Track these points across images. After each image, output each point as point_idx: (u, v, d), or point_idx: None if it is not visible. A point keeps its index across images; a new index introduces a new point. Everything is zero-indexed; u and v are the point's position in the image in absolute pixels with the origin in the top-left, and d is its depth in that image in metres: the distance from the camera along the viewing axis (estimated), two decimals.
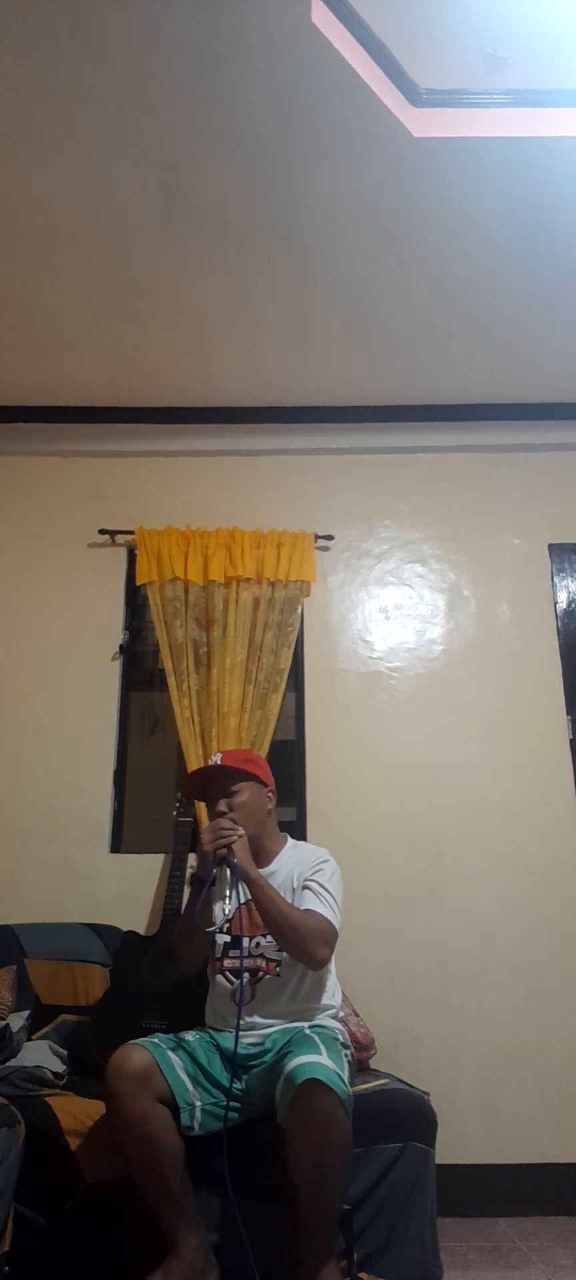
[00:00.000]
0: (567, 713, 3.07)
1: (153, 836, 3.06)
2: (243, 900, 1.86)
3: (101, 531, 3.27)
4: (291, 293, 2.86)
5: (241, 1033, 1.79)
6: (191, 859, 2.71)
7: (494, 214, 2.57)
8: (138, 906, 2.78)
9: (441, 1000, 2.72)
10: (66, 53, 2.11)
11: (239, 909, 1.84)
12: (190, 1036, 1.86)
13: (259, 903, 1.84)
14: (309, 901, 1.89)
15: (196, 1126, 1.71)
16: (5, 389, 3.33)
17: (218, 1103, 1.75)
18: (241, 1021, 1.79)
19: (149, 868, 2.85)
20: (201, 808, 2.77)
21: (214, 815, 2.00)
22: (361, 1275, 1.72)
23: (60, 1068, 2.21)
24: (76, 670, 3.12)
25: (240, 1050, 1.80)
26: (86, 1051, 2.28)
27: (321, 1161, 1.54)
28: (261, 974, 1.93)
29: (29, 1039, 2.32)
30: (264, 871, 1.95)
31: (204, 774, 2.11)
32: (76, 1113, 1.86)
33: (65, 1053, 2.32)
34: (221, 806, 1.99)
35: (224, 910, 1.80)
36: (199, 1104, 1.72)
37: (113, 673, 3.15)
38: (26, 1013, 2.36)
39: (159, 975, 2.37)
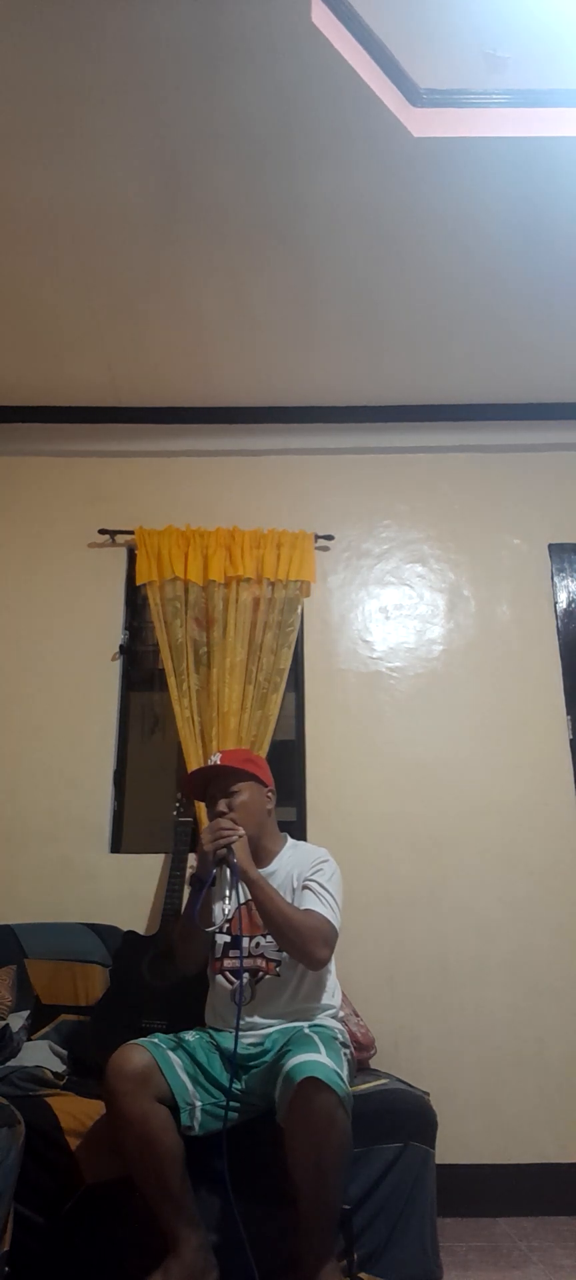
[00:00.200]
0: (567, 713, 3.07)
1: (153, 836, 3.06)
2: (242, 900, 1.86)
3: (101, 531, 3.27)
4: (291, 293, 2.86)
5: (241, 1033, 1.79)
6: (191, 859, 2.71)
7: (494, 214, 2.57)
8: (138, 906, 2.78)
9: (441, 1000, 2.72)
10: (66, 53, 2.11)
11: (239, 909, 1.84)
12: (190, 1036, 1.86)
13: (259, 903, 1.84)
14: (309, 901, 1.89)
15: (196, 1126, 1.71)
16: (5, 389, 3.33)
17: (217, 1103, 1.75)
18: (241, 1021, 1.79)
19: (149, 868, 2.85)
20: (201, 808, 2.77)
21: (214, 815, 2.00)
22: (361, 1275, 1.72)
23: (60, 1068, 2.21)
24: (76, 670, 3.12)
25: (240, 1050, 1.80)
26: (86, 1051, 2.28)
27: (321, 1160, 1.54)
28: (261, 974, 1.93)
29: (29, 1039, 2.32)
30: (264, 871, 1.95)
31: (203, 774, 2.11)
32: (76, 1113, 1.86)
33: (65, 1053, 2.32)
34: (221, 806, 1.99)
35: (224, 910, 1.80)
36: (199, 1104, 1.72)
37: (113, 673, 3.15)
38: (26, 1013, 2.36)
39: (159, 975, 2.37)
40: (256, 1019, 1.89)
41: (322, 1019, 1.89)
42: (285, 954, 1.89)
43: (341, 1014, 2.01)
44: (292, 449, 3.43)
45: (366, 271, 2.78)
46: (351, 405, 3.42)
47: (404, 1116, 1.92)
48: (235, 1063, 1.78)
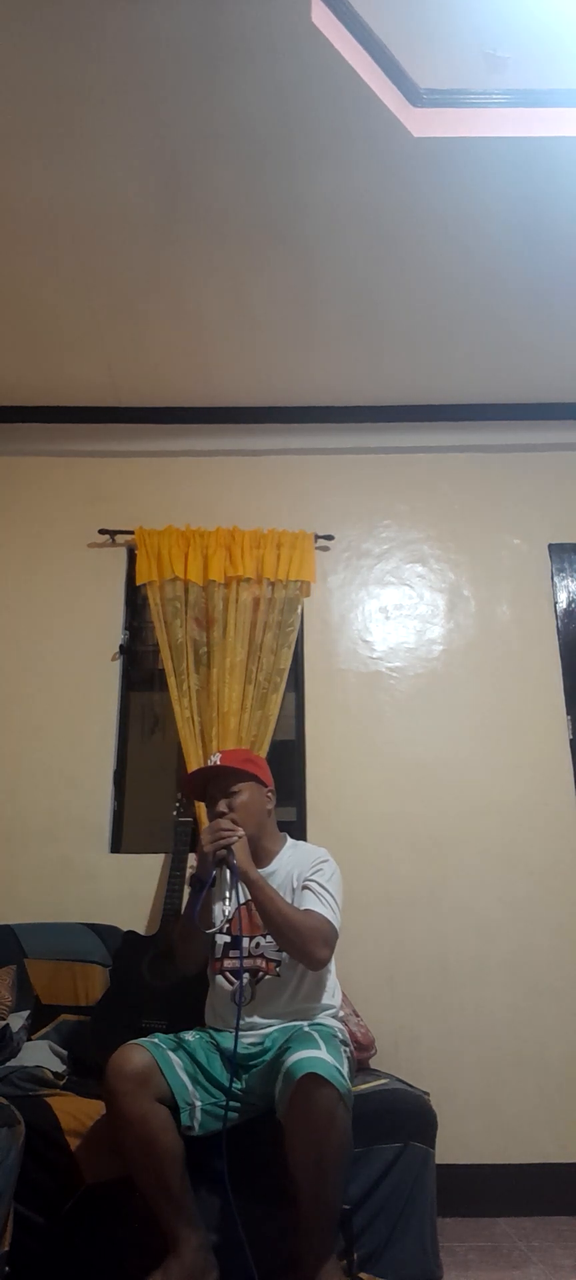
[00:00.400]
0: (567, 713, 3.07)
1: (153, 836, 3.06)
2: (242, 901, 1.86)
3: (101, 531, 3.27)
4: (291, 293, 2.86)
5: (241, 1032, 1.79)
6: (191, 859, 2.71)
7: (494, 214, 2.57)
8: (138, 906, 2.78)
9: (441, 1000, 2.72)
10: (66, 53, 2.11)
11: (238, 909, 1.84)
12: (190, 1036, 1.86)
13: (258, 903, 1.84)
14: (308, 901, 1.89)
15: (196, 1126, 1.71)
16: (5, 389, 3.33)
17: (218, 1102, 1.75)
18: (241, 1021, 1.79)
19: (149, 868, 2.85)
20: (201, 808, 2.77)
21: (214, 815, 2.00)
22: (361, 1275, 1.71)
23: (60, 1068, 2.21)
24: (76, 670, 3.12)
25: (240, 1050, 1.80)
26: (86, 1051, 2.28)
27: (321, 1157, 1.54)
28: (261, 974, 1.93)
29: (29, 1039, 2.32)
30: (263, 872, 1.95)
31: (203, 774, 2.11)
32: (76, 1113, 1.86)
33: (65, 1053, 2.32)
34: (221, 807, 1.99)
35: (224, 911, 1.80)
36: (199, 1104, 1.73)
37: (113, 673, 3.15)
38: (26, 1013, 2.36)
39: (159, 975, 2.37)
40: (256, 1019, 1.89)
41: (323, 1018, 1.89)
42: (285, 954, 1.89)
43: (341, 1014, 2.01)
44: (293, 449, 3.43)
45: (366, 271, 2.78)
46: (351, 405, 3.42)
47: (404, 1116, 1.92)
48: (235, 1062, 1.78)
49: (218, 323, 2.99)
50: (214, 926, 1.93)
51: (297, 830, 2.91)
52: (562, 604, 3.25)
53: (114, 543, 3.28)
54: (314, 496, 3.37)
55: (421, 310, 2.94)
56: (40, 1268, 1.72)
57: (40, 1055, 2.22)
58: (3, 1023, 2.22)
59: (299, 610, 3.15)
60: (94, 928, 2.64)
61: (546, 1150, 2.57)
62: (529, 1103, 2.62)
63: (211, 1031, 1.92)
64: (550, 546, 3.31)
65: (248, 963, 1.94)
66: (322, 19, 2.12)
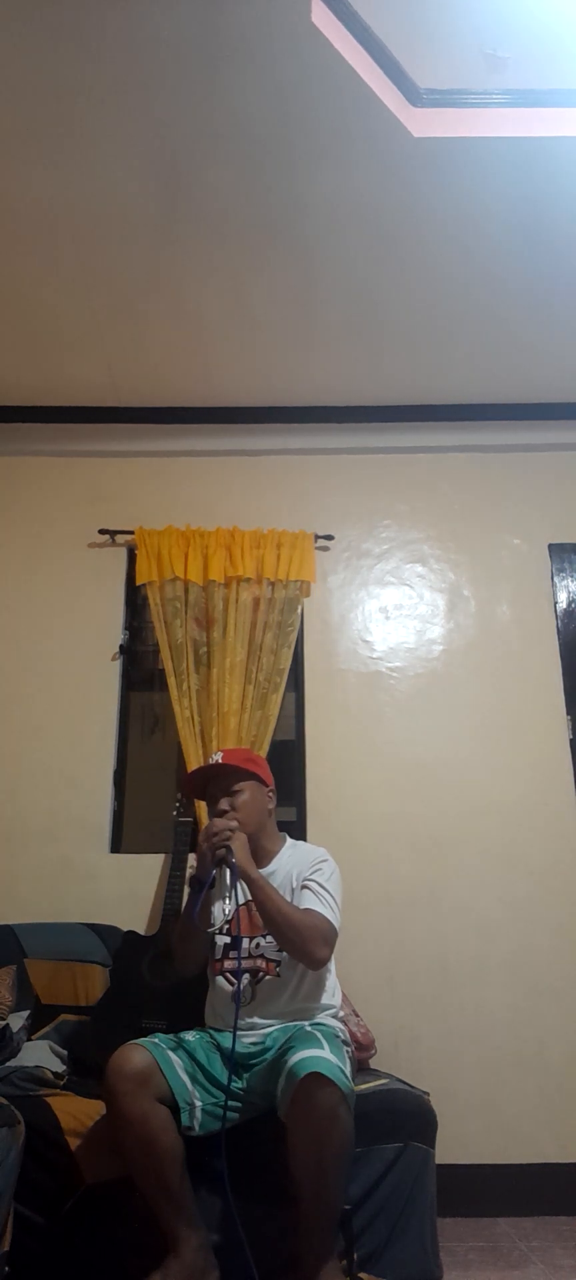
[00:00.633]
0: (567, 713, 3.07)
1: (153, 836, 3.06)
2: (242, 901, 1.86)
3: (101, 531, 3.27)
4: (291, 293, 2.86)
5: (241, 1032, 1.79)
6: (191, 859, 2.71)
7: (494, 214, 2.57)
8: (138, 906, 2.78)
9: (441, 1000, 2.72)
10: (66, 53, 2.11)
11: (238, 910, 1.84)
12: (190, 1036, 1.86)
13: (258, 902, 1.84)
14: (308, 901, 1.89)
15: (196, 1126, 1.71)
16: (5, 389, 3.33)
17: (218, 1102, 1.75)
18: (241, 1022, 1.79)
19: (149, 868, 2.85)
20: (201, 807, 2.78)
21: (215, 814, 2.00)
22: (361, 1275, 1.71)
23: (60, 1068, 2.21)
24: (76, 670, 3.12)
25: (240, 1049, 1.80)
26: (86, 1051, 2.28)
27: (323, 1157, 1.54)
28: (261, 974, 1.93)
29: (29, 1039, 2.32)
30: (263, 871, 1.94)
31: (205, 773, 2.11)
32: (76, 1113, 1.86)
33: (65, 1053, 2.32)
34: (223, 805, 1.99)
35: (223, 910, 1.80)
36: (199, 1104, 1.72)
37: (113, 673, 3.15)
38: (26, 1013, 2.36)
39: (159, 975, 2.37)
40: (256, 1019, 1.89)
41: (323, 1018, 1.89)
42: (285, 954, 1.89)
43: (341, 1014, 2.01)
44: (292, 449, 3.43)
45: (366, 271, 2.78)
46: (351, 405, 3.42)
47: (404, 1116, 1.92)
48: (234, 1062, 1.78)
49: (218, 323, 2.99)
50: (213, 926, 1.93)
51: (298, 830, 2.91)
52: (562, 604, 3.25)
53: (114, 543, 3.28)
54: (314, 496, 3.37)
55: (421, 310, 2.94)
56: (40, 1268, 1.72)
57: (40, 1055, 2.22)
58: (3, 1023, 2.22)
59: (299, 610, 3.15)
60: (94, 928, 2.64)
61: (546, 1150, 2.57)
62: (529, 1103, 2.62)
63: (211, 1031, 1.92)
64: (550, 546, 3.31)
65: (248, 963, 1.93)
66: (322, 19, 2.12)
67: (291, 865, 2.02)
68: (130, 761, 3.13)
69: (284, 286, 2.83)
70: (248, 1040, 1.85)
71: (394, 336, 3.07)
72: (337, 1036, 1.80)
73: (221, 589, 3.10)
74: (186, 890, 2.59)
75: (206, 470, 3.41)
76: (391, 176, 2.45)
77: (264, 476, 3.41)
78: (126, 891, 2.80)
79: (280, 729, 3.03)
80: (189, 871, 2.59)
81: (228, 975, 1.96)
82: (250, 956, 1.94)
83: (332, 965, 1.98)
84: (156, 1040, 1.76)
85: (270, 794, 2.11)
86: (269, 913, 1.82)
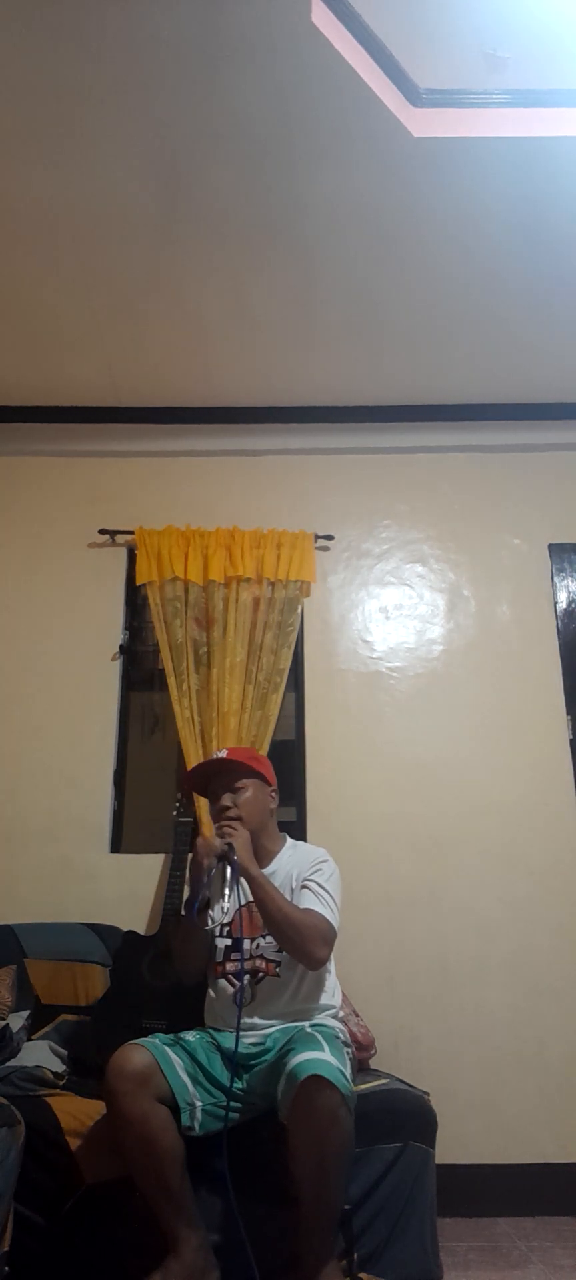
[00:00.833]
0: (567, 713, 3.07)
1: (153, 836, 3.05)
2: (242, 902, 1.86)
3: (101, 531, 3.27)
4: (291, 293, 2.86)
5: (242, 1033, 1.79)
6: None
7: (494, 214, 2.57)
8: (138, 906, 2.78)
9: (441, 1000, 2.72)
10: (66, 53, 2.11)
11: (238, 911, 1.84)
12: (190, 1036, 1.86)
13: (259, 900, 1.84)
14: (308, 901, 1.89)
15: (196, 1126, 1.71)
16: (5, 389, 3.33)
17: (218, 1103, 1.75)
18: (241, 1022, 1.79)
19: (149, 868, 2.85)
20: (201, 807, 2.77)
21: (217, 809, 2.00)
22: (361, 1275, 1.72)
23: (60, 1068, 2.21)
24: (76, 670, 3.12)
25: (240, 1050, 1.80)
26: (86, 1051, 2.28)
27: (323, 1158, 1.54)
28: (261, 975, 1.93)
29: (29, 1039, 2.32)
30: (264, 871, 1.94)
31: (208, 768, 2.11)
32: (76, 1113, 1.86)
33: (65, 1053, 2.32)
34: (225, 801, 2.00)
35: (223, 908, 1.80)
36: (199, 1104, 1.72)
37: (113, 673, 3.15)
38: (26, 1013, 2.36)
39: (159, 975, 2.37)
40: (256, 1019, 1.89)
41: (323, 1019, 1.89)
42: (285, 954, 1.89)
43: (341, 1014, 2.01)
44: (293, 449, 3.43)
45: (366, 271, 2.78)
46: (351, 405, 3.42)
47: (404, 1116, 1.92)
48: (235, 1063, 1.78)
49: (218, 323, 2.99)
50: (213, 925, 1.93)
51: (298, 830, 2.91)
52: (562, 604, 3.25)
53: (114, 543, 3.28)
54: (314, 496, 3.37)
55: (421, 310, 2.94)
56: (40, 1268, 1.72)
57: (40, 1055, 2.22)
58: (3, 1023, 2.22)
59: (299, 610, 3.15)
60: (94, 928, 2.64)
61: (546, 1150, 2.57)
62: (529, 1103, 2.62)
63: (211, 1031, 1.92)
64: (550, 546, 3.31)
65: (248, 963, 1.94)
66: (322, 19, 2.12)
67: (291, 865, 2.02)
68: (130, 761, 3.13)
69: (284, 286, 2.83)
70: (248, 1040, 1.85)
71: (394, 336, 3.07)
72: (338, 1038, 1.80)
73: (221, 589, 3.10)
74: (186, 891, 2.59)
75: (206, 470, 3.41)
76: (391, 176, 2.45)
77: (264, 476, 3.40)
78: (126, 891, 2.80)
79: (280, 729, 3.03)
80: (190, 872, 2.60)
81: (229, 978, 1.96)
82: (250, 957, 1.94)
83: (332, 965, 1.98)
84: (156, 1040, 1.76)
85: (272, 794, 2.11)
86: (269, 911, 1.82)
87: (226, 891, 1.80)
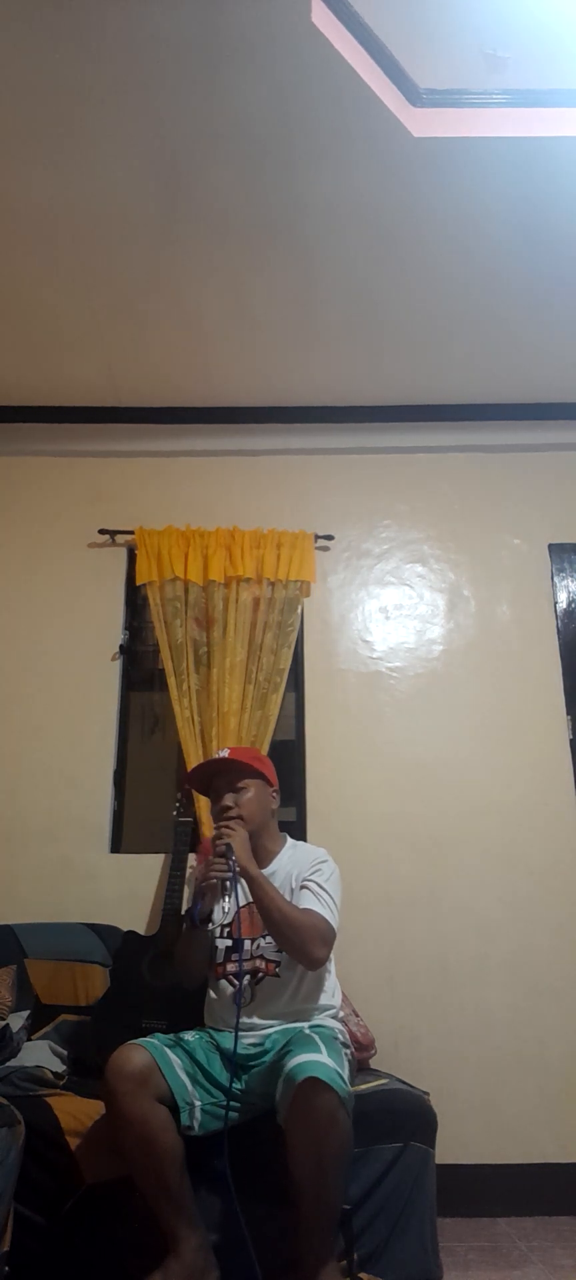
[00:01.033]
0: (567, 713, 3.07)
1: (153, 836, 3.06)
2: (242, 903, 1.86)
3: (101, 531, 3.27)
4: (291, 293, 2.86)
5: (241, 1033, 1.79)
6: (191, 859, 2.71)
7: (494, 214, 2.57)
8: (138, 906, 2.78)
9: (441, 1000, 2.72)
10: (66, 53, 2.11)
11: (238, 911, 1.84)
12: (190, 1036, 1.86)
13: (258, 900, 1.84)
14: (307, 901, 1.89)
15: (196, 1126, 1.71)
16: (5, 389, 3.33)
17: (217, 1102, 1.75)
18: (241, 1022, 1.79)
19: (149, 868, 2.85)
20: (202, 807, 2.78)
21: (219, 808, 2.00)
22: (361, 1275, 1.72)
23: (60, 1068, 2.21)
24: (76, 670, 3.12)
25: (240, 1050, 1.80)
26: (86, 1051, 2.28)
27: (322, 1161, 1.54)
28: (261, 975, 1.93)
29: (29, 1039, 2.32)
30: (264, 872, 1.94)
31: (211, 767, 2.11)
32: (76, 1113, 1.86)
33: (65, 1053, 2.32)
34: (227, 800, 2.00)
35: (223, 909, 1.80)
36: (198, 1104, 1.73)
37: (113, 673, 3.15)
38: (26, 1013, 2.36)
39: (159, 975, 2.37)
40: (256, 1020, 1.89)
41: (322, 1019, 1.89)
42: (284, 954, 1.89)
43: (341, 1014, 2.01)
44: (293, 449, 3.43)
45: (366, 271, 2.78)
46: (351, 405, 3.42)
47: (404, 1116, 1.92)
48: (235, 1063, 1.78)
49: (218, 323, 2.99)
50: (213, 925, 1.93)
51: (298, 830, 2.91)
52: (562, 604, 3.25)
53: (114, 543, 3.28)
54: (314, 496, 3.37)
55: (421, 310, 2.94)
56: (40, 1268, 1.72)
57: (40, 1055, 2.22)
58: (3, 1023, 2.22)
59: (299, 610, 3.15)
60: (94, 928, 2.64)
61: (546, 1150, 2.57)
62: (529, 1103, 2.62)
63: (211, 1031, 1.92)
64: (550, 546, 3.31)
65: (248, 964, 1.93)
66: (322, 19, 2.12)
67: (291, 866, 2.02)
68: (130, 761, 3.13)
69: (284, 286, 2.83)
70: (247, 1041, 1.85)
71: (394, 336, 3.07)
72: (336, 1039, 1.80)
73: (221, 589, 3.10)
74: (187, 890, 2.60)
75: (206, 470, 3.41)
76: (391, 176, 2.45)
77: (264, 476, 3.41)
78: (126, 891, 2.80)
79: (280, 729, 3.03)
80: (190, 870, 2.60)
81: (230, 978, 1.96)
82: (251, 957, 1.94)
83: (332, 965, 1.98)
84: (156, 1040, 1.76)
85: (274, 794, 2.12)
86: (268, 911, 1.82)
87: (226, 894, 1.80)
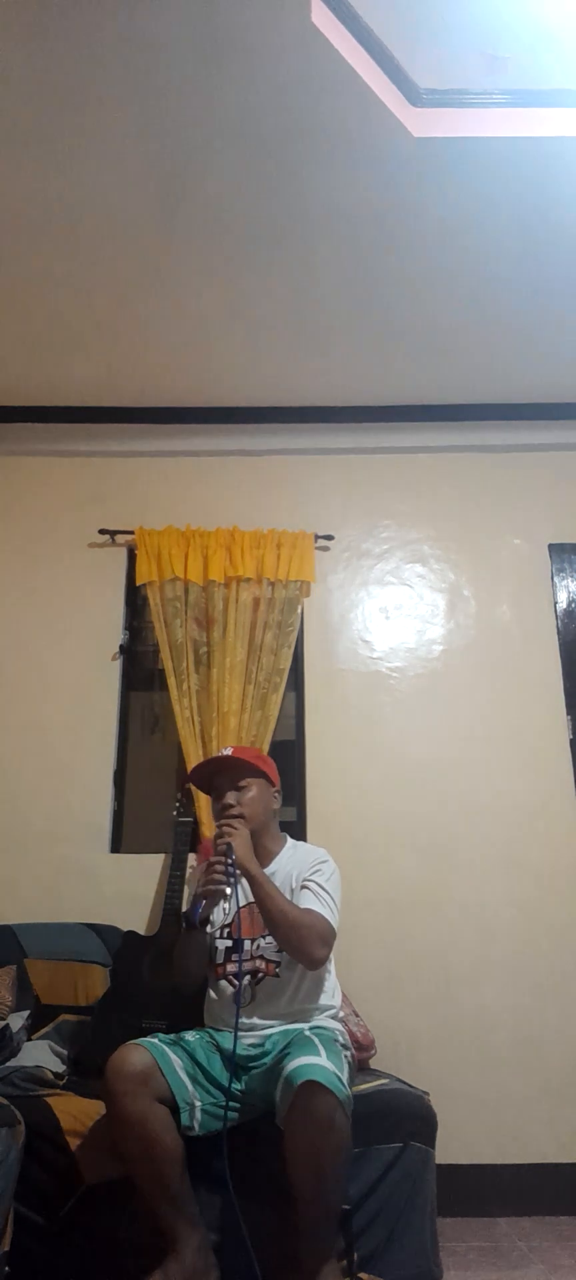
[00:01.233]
0: (567, 713, 3.07)
1: (153, 836, 3.06)
2: (242, 903, 1.86)
3: (101, 531, 3.27)
4: (292, 293, 2.86)
5: (241, 1033, 1.79)
6: (191, 859, 2.71)
7: (494, 214, 2.56)
8: (138, 906, 2.78)
9: (441, 1000, 2.72)
10: (66, 53, 2.11)
11: (239, 912, 1.84)
12: (190, 1036, 1.86)
13: (258, 899, 1.84)
14: (307, 901, 1.89)
15: (196, 1126, 1.71)
16: (5, 389, 3.33)
17: (217, 1103, 1.75)
18: (241, 1022, 1.79)
19: (149, 868, 2.85)
20: (202, 807, 2.78)
21: (221, 806, 2.00)
22: (361, 1275, 1.72)
23: (60, 1068, 2.21)
24: (76, 670, 3.12)
25: (240, 1050, 1.80)
26: (86, 1051, 2.28)
27: (320, 1163, 1.54)
28: (261, 975, 1.93)
29: (29, 1039, 2.33)
30: (264, 871, 1.94)
31: (214, 765, 2.11)
32: (76, 1113, 1.86)
33: (65, 1053, 2.32)
34: (229, 799, 2.00)
35: (224, 909, 1.80)
36: (199, 1104, 1.73)
37: (113, 673, 3.15)
38: (26, 1013, 2.36)
39: (159, 975, 2.37)
40: (256, 1020, 1.89)
41: (322, 1020, 1.89)
42: (284, 955, 1.89)
43: (341, 1014, 2.01)
44: (292, 449, 3.43)
45: (366, 272, 2.77)
46: (351, 405, 3.42)
47: (404, 1116, 1.92)
48: (234, 1063, 1.78)
49: (218, 323, 2.99)
50: (213, 926, 1.93)
51: (297, 830, 2.91)
52: (562, 604, 3.25)
53: (114, 543, 3.28)
54: (314, 496, 3.37)
55: (421, 310, 2.94)
56: (40, 1268, 1.72)
57: (40, 1055, 2.22)
58: (3, 1023, 2.22)
59: (299, 610, 3.15)
60: (94, 928, 2.64)
61: (546, 1150, 2.57)
62: (529, 1103, 2.62)
63: (211, 1031, 1.92)
64: (550, 546, 3.31)
65: (248, 964, 1.94)
66: (322, 19, 2.11)
67: (292, 866, 2.03)
68: (130, 761, 3.13)
69: (284, 286, 2.83)
70: (247, 1041, 1.85)
71: (394, 336, 3.07)
72: (336, 1041, 1.80)
73: (221, 589, 3.10)
74: (187, 890, 2.60)
75: (206, 470, 3.41)
76: (391, 176, 2.45)
77: (264, 476, 3.40)
78: (126, 891, 2.80)
79: (280, 729, 3.03)
80: (190, 869, 2.60)
81: (230, 978, 1.96)
82: (251, 958, 1.94)
83: (332, 966, 1.98)
84: (156, 1040, 1.76)
85: (276, 794, 2.12)
86: (268, 910, 1.82)
87: (226, 896, 1.80)
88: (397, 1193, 1.81)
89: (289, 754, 3.08)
